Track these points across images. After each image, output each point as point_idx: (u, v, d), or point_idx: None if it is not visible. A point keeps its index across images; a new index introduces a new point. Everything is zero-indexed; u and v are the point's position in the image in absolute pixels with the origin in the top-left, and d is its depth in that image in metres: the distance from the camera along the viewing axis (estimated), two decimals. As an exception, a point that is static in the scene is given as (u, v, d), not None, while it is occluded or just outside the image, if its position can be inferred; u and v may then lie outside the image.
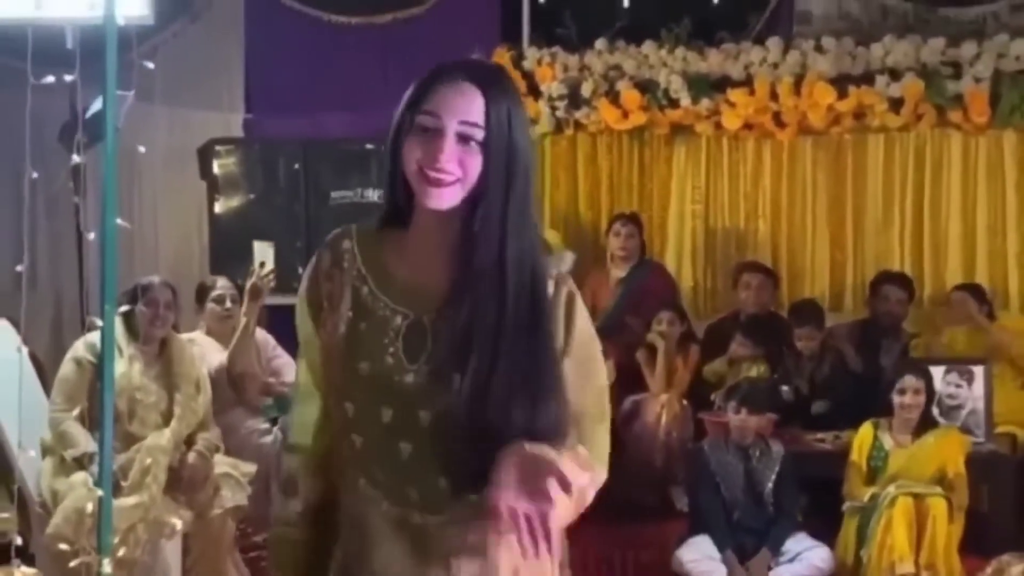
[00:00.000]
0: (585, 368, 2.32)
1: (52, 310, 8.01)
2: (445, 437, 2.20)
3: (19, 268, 4.64)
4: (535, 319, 2.24)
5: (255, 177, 8.77)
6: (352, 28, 8.51)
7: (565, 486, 2.08)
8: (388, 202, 2.35)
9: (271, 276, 6.49)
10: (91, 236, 4.72)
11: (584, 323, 2.33)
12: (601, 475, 2.29)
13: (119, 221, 4.55)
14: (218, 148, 8.73)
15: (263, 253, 6.43)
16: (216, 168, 8.70)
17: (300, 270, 8.10)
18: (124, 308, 5.60)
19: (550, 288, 2.29)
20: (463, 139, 2.20)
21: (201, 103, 8.64)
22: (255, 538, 6.09)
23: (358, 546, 2.31)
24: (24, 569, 4.48)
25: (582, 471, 2.17)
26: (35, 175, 4.51)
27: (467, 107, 2.20)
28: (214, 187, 8.70)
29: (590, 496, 2.24)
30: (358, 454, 2.30)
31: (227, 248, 8.25)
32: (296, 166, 8.69)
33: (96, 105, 4.82)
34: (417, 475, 2.24)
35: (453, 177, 2.19)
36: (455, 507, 2.21)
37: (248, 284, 6.38)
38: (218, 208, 8.70)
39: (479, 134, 2.20)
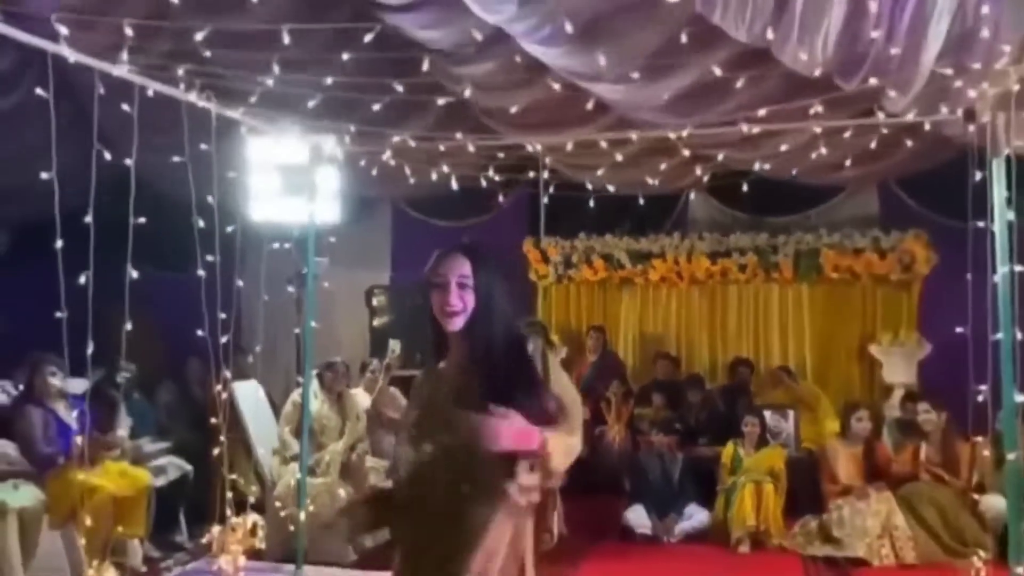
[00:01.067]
0: (562, 383, 2.15)
1: (281, 374, 8.00)
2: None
3: (257, 349, 4.67)
4: (523, 369, 2.09)
5: (393, 306, 8.75)
6: (448, 227, 8.50)
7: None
8: (432, 334, 2.19)
9: (399, 359, 6.53)
10: (296, 331, 4.76)
11: (555, 362, 2.16)
12: (578, 439, 2.10)
13: (313, 324, 4.59)
14: (375, 290, 8.78)
15: (395, 346, 6.45)
16: (373, 301, 8.74)
17: (418, 357, 8.22)
18: (317, 373, 5.66)
19: (530, 347, 2.12)
20: (461, 286, 2.09)
21: (365, 266, 8.64)
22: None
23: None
24: (255, 515, 4.43)
25: (568, 436, 2.04)
26: (266, 297, 4.55)
27: (461, 268, 2.09)
28: (372, 311, 8.74)
29: (575, 450, 2.07)
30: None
31: (377, 343, 8.18)
32: (417, 300, 8.73)
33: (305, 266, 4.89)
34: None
35: (458, 309, 2.09)
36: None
37: (385, 362, 6.39)
38: (374, 322, 8.72)
39: (471, 282, 2.09)
